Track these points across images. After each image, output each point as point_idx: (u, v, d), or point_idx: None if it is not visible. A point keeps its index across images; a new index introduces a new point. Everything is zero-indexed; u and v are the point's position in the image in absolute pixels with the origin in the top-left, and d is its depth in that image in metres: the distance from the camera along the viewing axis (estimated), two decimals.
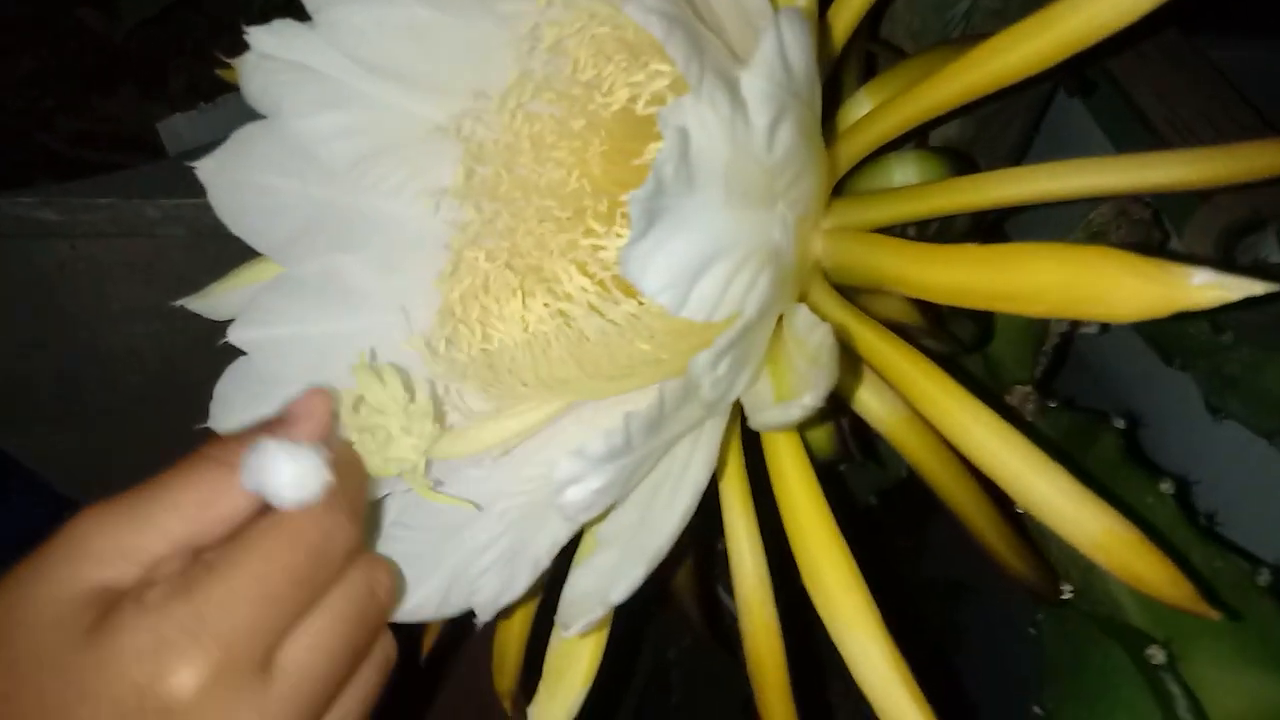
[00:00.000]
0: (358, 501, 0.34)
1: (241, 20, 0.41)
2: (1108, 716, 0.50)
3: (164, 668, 0.29)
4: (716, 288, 0.30)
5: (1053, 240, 0.47)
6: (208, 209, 0.83)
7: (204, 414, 0.95)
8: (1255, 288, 0.26)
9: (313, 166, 0.39)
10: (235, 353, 0.44)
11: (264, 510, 0.33)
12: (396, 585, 0.35)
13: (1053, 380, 0.68)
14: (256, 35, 0.36)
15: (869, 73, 0.50)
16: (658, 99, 0.33)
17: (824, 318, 0.41)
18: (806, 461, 0.40)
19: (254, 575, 0.31)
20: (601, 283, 0.35)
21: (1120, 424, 0.56)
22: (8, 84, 1.08)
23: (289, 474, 0.32)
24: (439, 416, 0.38)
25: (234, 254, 0.44)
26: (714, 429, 0.35)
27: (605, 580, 0.32)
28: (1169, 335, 0.65)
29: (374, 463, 0.36)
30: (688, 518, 0.33)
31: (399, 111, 0.39)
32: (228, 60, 0.39)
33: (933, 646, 1.20)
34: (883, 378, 0.40)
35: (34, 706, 0.30)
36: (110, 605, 0.30)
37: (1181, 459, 0.78)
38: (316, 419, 0.34)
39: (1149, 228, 0.60)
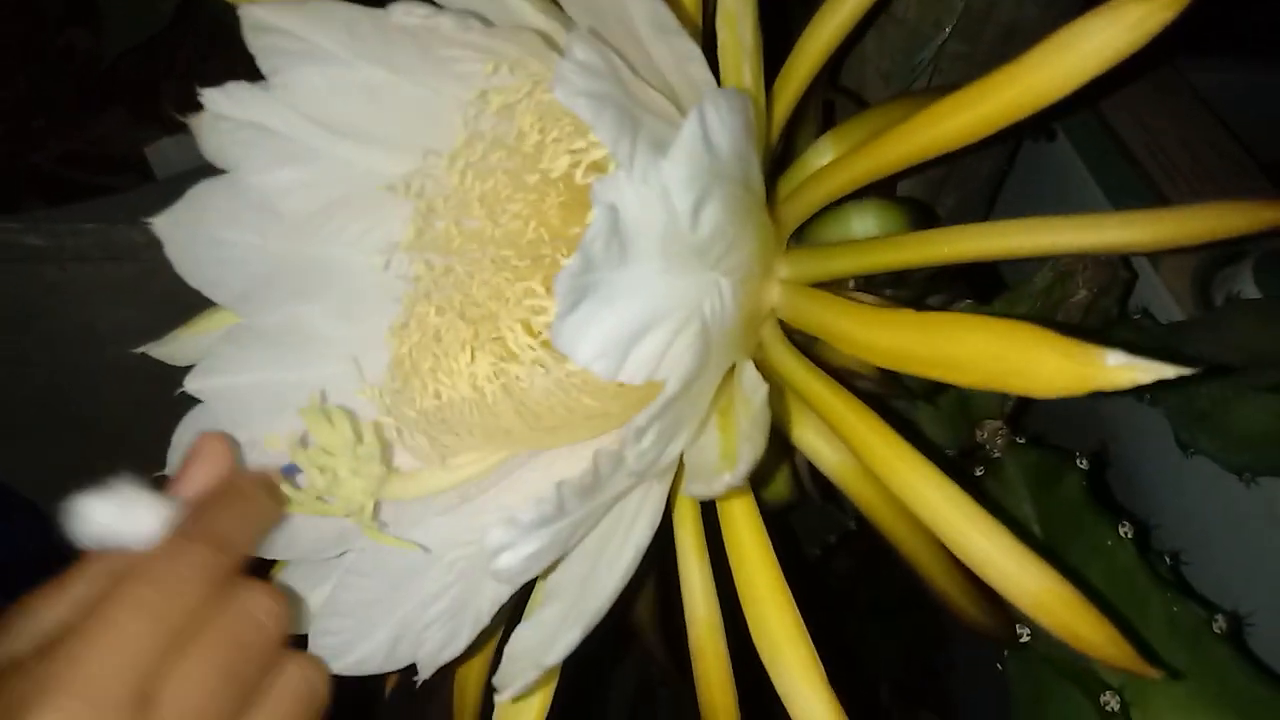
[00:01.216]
0: (237, 531, 0.34)
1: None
2: None
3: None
4: (654, 351, 0.31)
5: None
6: None
7: None
8: (1166, 371, 0.27)
9: (271, 220, 0.39)
10: None
11: None
12: (288, 609, 0.34)
13: (1025, 411, 0.69)
14: (211, 97, 0.36)
15: (829, 118, 0.51)
16: (599, 167, 0.34)
17: (774, 365, 0.41)
18: (756, 513, 0.40)
19: (105, 620, 0.31)
20: (545, 341, 0.36)
21: (1084, 464, 0.56)
22: (3, 103, 1.09)
23: (110, 518, 0.32)
24: (386, 459, 0.39)
25: None
26: (661, 489, 0.36)
27: (545, 638, 0.32)
28: None
29: (320, 504, 0.36)
30: (628, 577, 0.34)
31: (355, 166, 0.39)
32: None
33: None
34: (831, 428, 0.40)
35: None
36: None
37: (1156, 491, 0.79)
38: (209, 460, 0.35)
39: (1115, 267, 0.61)
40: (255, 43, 0.36)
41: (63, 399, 1.04)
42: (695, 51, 0.32)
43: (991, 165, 0.68)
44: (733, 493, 0.39)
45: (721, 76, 0.37)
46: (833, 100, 0.51)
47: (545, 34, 0.34)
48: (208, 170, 0.85)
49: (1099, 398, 0.70)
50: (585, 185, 0.35)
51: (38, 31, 1.06)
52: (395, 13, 0.33)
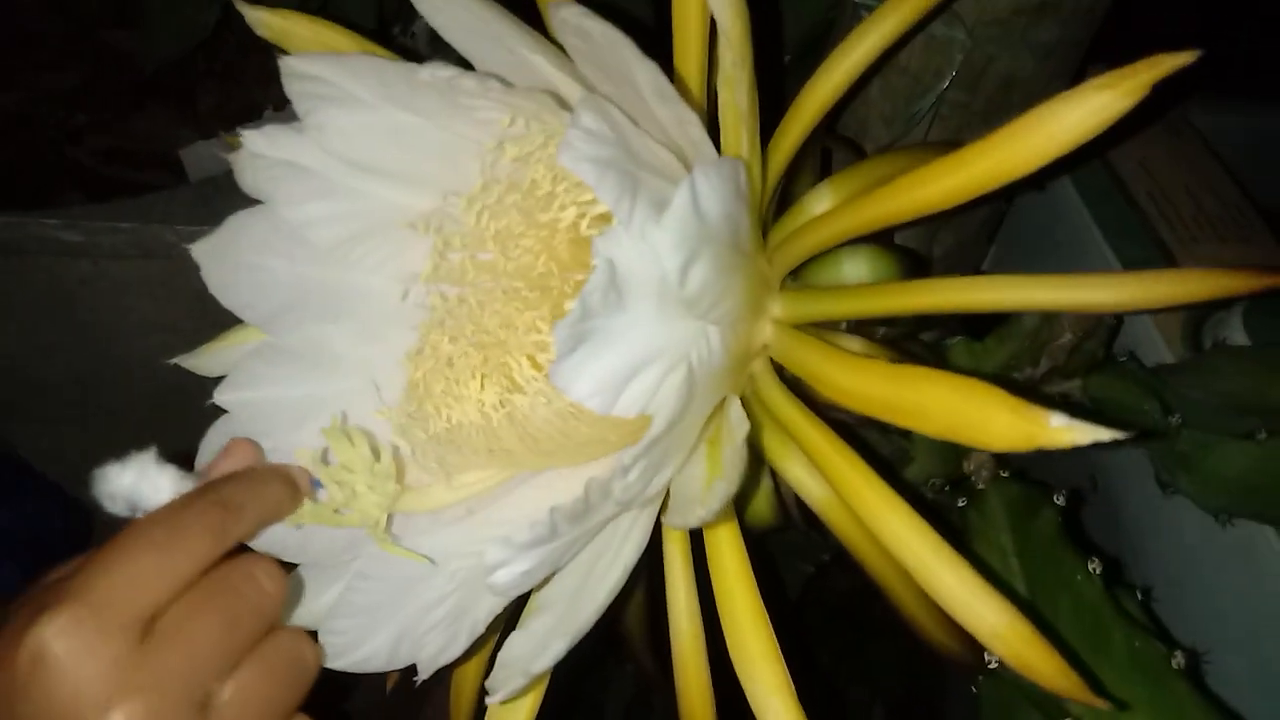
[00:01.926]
0: (248, 504, 0.38)
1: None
2: None
3: (27, 634, 0.33)
4: (645, 390, 0.34)
5: None
6: None
7: (209, 423, 1.00)
8: (1102, 434, 0.29)
9: (301, 247, 0.42)
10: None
11: None
12: (286, 582, 0.38)
13: None
14: (249, 137, 0.39)
15: (826, 163, 0.53)
16: (604, 218, 0.37)
17: (762, 399, 0.44)
18: (738, 537, 0.43)
19: (117, 548, 0.35)
20: (548, 375, 0.39)
21: (1060, 501, 0.59)
22: (41, 100, 1.13)
23: (133, 483, 0.36)
24: (400, 477, 0.42)
25: None
26: (649, 513, 0.39)
27: (536, 647, 0.35)
28: (1125, 411, 0.68)
29: (337, 516, 0.40)
30: (614, 594, 0.37)
31: (380, 201, 0.42)
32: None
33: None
34: (817, 467, 0.43)
35: None
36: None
37: (1138, 528, 0.81)
38: (236, 457, 0.39)
39: (1100, 314, 0.63)
40: (292, 88, 0.39)
41: (90, 387, 1.08)
42: (692, 117, 0.35)
43: (988, 209, 0.71)
44: (718, 518, 0.42)
45: (721, 134, 0.40)
46: (829, 147, 0.53)
47: (558, 94, 0.38)
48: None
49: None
50: (588, 236, 0.38)
51: (82, 32, 1.10)
52: (423, 71, 0.36)
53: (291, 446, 0.42)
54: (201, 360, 0.47)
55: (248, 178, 0.41)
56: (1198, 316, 0.78)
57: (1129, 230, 0.84)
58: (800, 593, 1.04)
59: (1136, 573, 0.82)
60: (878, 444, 0.70)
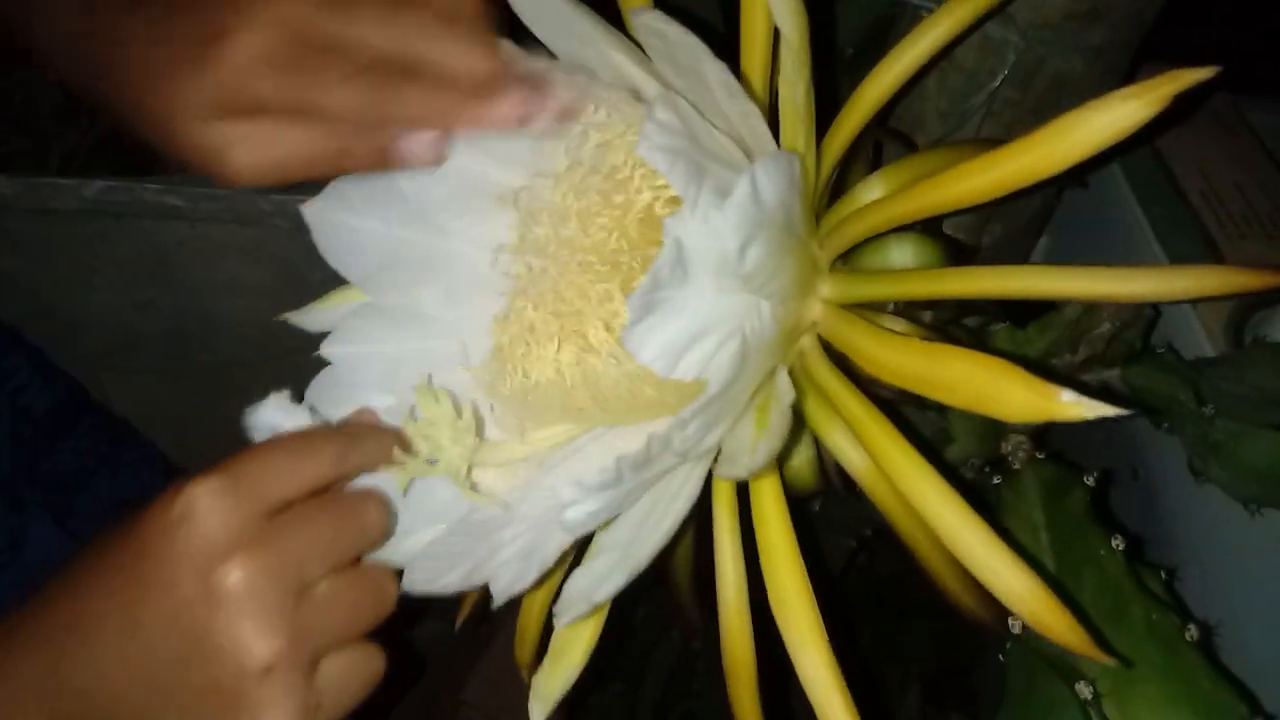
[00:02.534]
0: (370, 446, 0.44)
1: None
2: None
3: (179, 494, 0.39)
4: (703, 357, 0.38)
5: None
6: None
7: (298, 378, 1.07)
8: (1107, 410, 0.33)
9: (400, 209, 0.47)
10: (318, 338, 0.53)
11: None
12: (387, 514, 0.44)
13: (1050, 431, 0.74)
14: None
15: (877, 156, 0.57)
16: (674, 201, 0.41)
17: (809, 372, 0.48)
18: (782, 498, 0.47)
19: (253, 452, 0.41)
20: (618, 340, 0.44)
21: (1090, 481, 0.62)
22: None
23: (277, 419, 0.43)
24: (480, 431, 0.47)
25: None
26: (700, 470, 0.43)
27: (595, 583, 0.40)
28: (1161, 400, 0.71)
29: (424, 467, 0.45)
30: (667, 540, 0.42)
31: (475, 174, 0.47)
32: None
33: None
34: (858, 438, 0.47)
35: (124, 578, 0.40)
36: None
37: (1176, 514, 0.84)
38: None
39: (1139, 306, 0.66)
40: None
41: (179, 342, 1.16)
42: (755, 111, 0.39)
43: (1038, 202, 0.74)
44: (762, 473, 0.47)
45: (781, 129, 0.44)
46: (880, 141, 0.57)
47: (636, 88, 0.42)
48: None
49: (1129, 425, 0.75)
50: (660, 216, 0.42)
51: None
52: (518, 65, 0.41)
53: (384, 397, 0.47)
54: (306, 317, 0.52)
55: None
56: (1241, 314, 0.80)
57: (1179, 226, 0.86)
58: (843, 568, 1.08)
59: (1172, 558, 0.85)
60: (919, 424, 0.74)
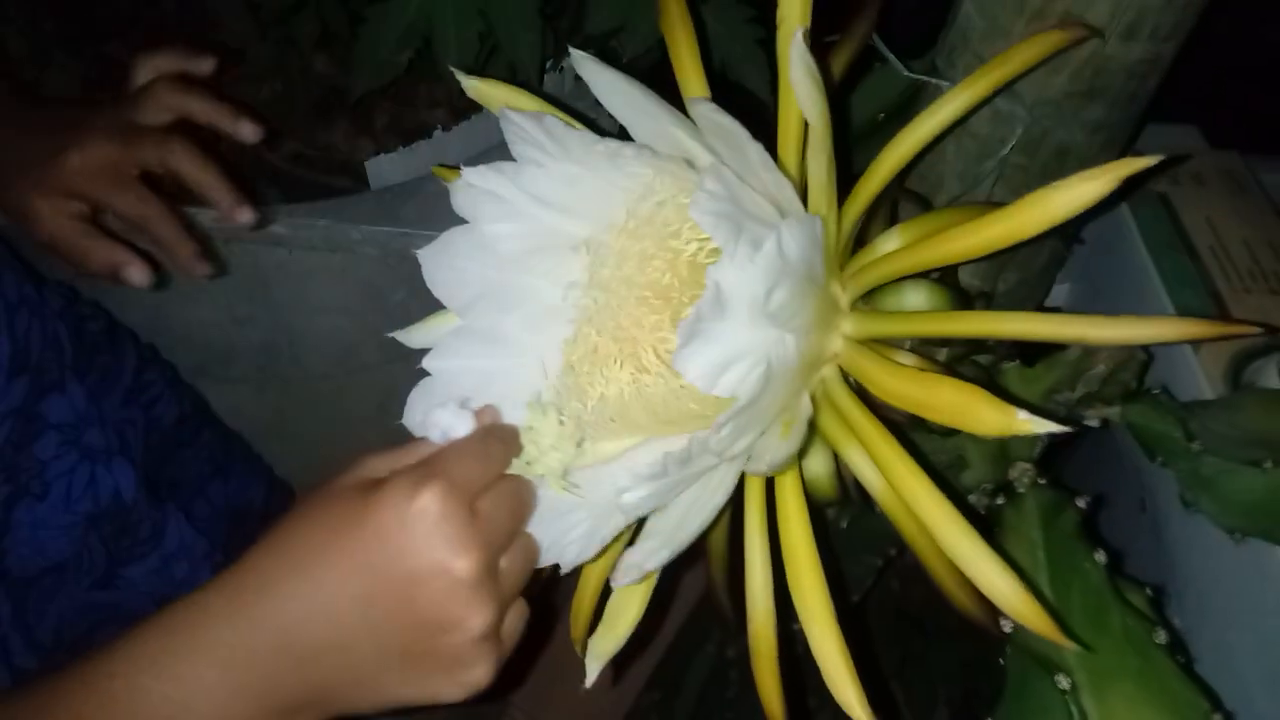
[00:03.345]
0: (508, 450, 0.54)
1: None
2: None
3: (419, 497, 0.48)
4: (737, 377, 0.47)
5: None
6: (396, 236, 1.05)
7: (369, 392, 1.18)
8: (1054, 427, 0.42)
9: (491, 255, 0.57)
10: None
11: None
12: (535, 493, 0.55)
13: (1054, 459, 0.82)
14: (466, 173, 0.54)
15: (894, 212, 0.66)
16: (716, 251, 0.50)
17: (830, 398, 0.57)
18: (802, 497, 0.56)
19: (454, 453, 0.51)
20: (667, 362, 0.53)
21: (1082, 504, 0.70)
22: (251, 107, 1.33)
23: (448, 420, 0.53)
24: (577, 440, 0.57)
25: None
26: (733, 473, 0.53)
27: (645, 556, 0.50)
28: (1155, 437, 0.78)
29: (532, 467, 0.55)
30: (705, 527, 0.51)
31: (552, 227, 0.57)
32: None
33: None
34: (869, 454, 0.56)
35: (325, 535, 0.49)
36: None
37: (1177, 542, 0.91)
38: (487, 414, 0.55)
39: (1132, 349, 0.74)
40: (506, 128, 0.54)
41: (272, 355, 1.27)
42: (785, 181, 0.49)
43: (1047, 255, 0.82)
44: (785, 478, 0.56)
45: (809, 194, 0.53)
46: (897, 199, 0.66)
47: (690, 156, 0.52)
48: (411, 186, 1.06)
49: (1138, 461, 0.81)
50: (704, 264, 0.52)
51: (289, 53, 1.30)
52: (600, 143, 0.51)
53: (476, 404, 0.57)
54: (411, 335, 0.62)
55: (459, 200, 0.56)
56: (1239, 362, 0.87)
57: (1186, 279, 0.94)
58: (870, 586, 1.15)
59: (1175, 582, 0.92)
60: (939, 451, 0.82)
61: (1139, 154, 0.52)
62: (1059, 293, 1.09)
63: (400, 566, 0.48)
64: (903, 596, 1.48)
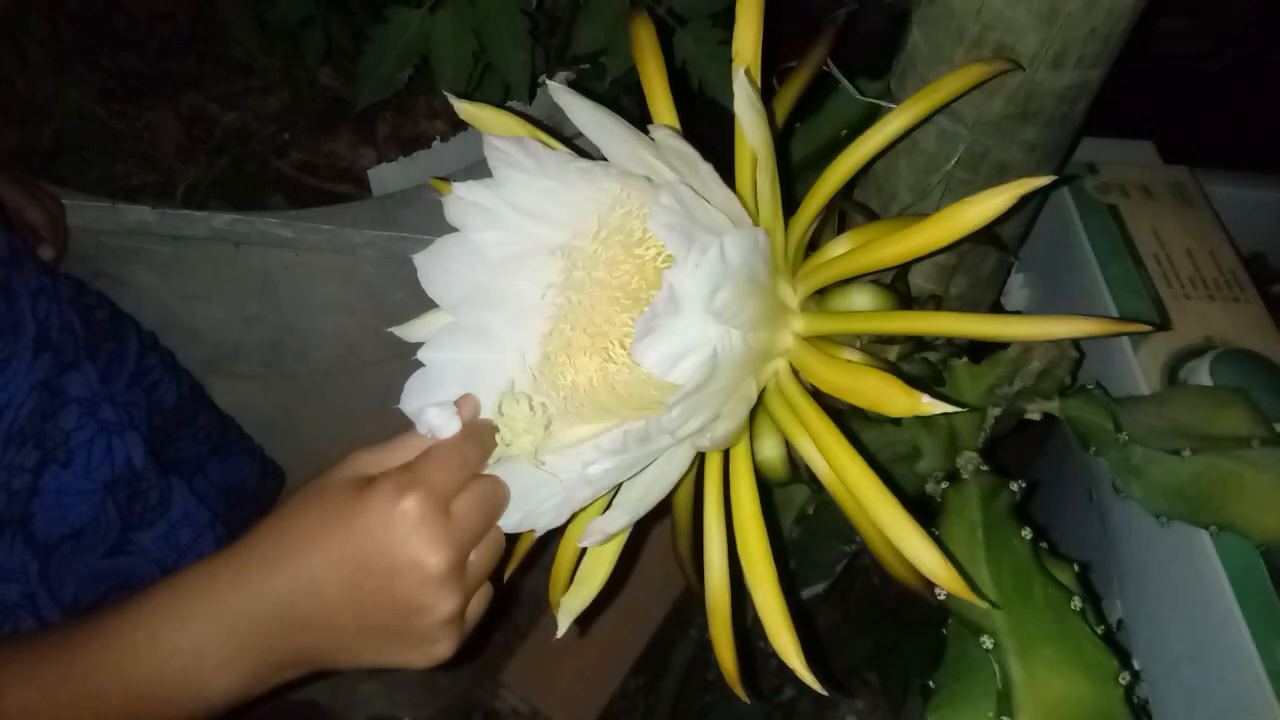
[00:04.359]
0: (485, 448, 0.60)
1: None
2: (966, 683, 0.71)
3: (401, 502, 0.55)
4: (690, 367, 0.54)
5: None
6: (397, 240, 1.12)
7: (369, 386, 1.26)
8: (949, 408, 0.49)
9: (478, 260, 0.64)
10: (397, 351, 0.70)
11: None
12: (507, 491, 0.60)
13: (999, 447, 0.89)
14: (456, 188, 0.62)
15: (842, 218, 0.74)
16: (671, 257, 0.58)
17: (781, 389, 0.65)
18: (753, 477, 0.63)
19: (435, 460, 0.57)
20: (629, 353, 0.60)
21: (1014, 487, 0.77)
22: (258, 117, 1.41)
23: (437, 421, 0.59)
24: (547, 424, 0.64)
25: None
26: (688, 448, 0.60)
27: (608, 522, 0.57)
28: (1089, 428, 0.85)
29: (508, 449, 0.62)
30: (662, 497, 0.58)
31: (533, 234, 0.64)
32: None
33: None
34: (814, 440, 0.63)
35: (319, 527, 0.56)
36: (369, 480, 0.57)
37: (1120, 526, 0.98)
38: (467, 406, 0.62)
39: (1064, 347, 0.81)
40: (489, 153, 0.61)
41: (276, 352, 1.34)
42: (733, 197, 0.56)
43: (995, 261, 0.89)
44: (739, 459, 0.63)
45: (759, 207, 0.61)
46: (845, 211, 0.73)
47: (655, 173, 0.59)
48: (411, 193, 1.13)
49: (1085, 456, 0.88)
50: (662, 268, 0.59)
51: (296, 66, 1.37)
52: (575, 161, 0.58)
53: (465, 393, 0.64)
54: (407, 330, 0.69)
55: (450, 210, 0.63)
56: (1176, 361, 0.94)
57: (1131, 285, 1.01)
58: (841, 571, 1.21)
59: (1116, 565, 0.99)
60: (895, 442, 0.90)
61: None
62: (1019, 297, 1.16)
63: (382, 561, 0.56)
64: (882, 590, 1.56)
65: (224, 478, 1.20)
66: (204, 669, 0.56)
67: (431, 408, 0.59)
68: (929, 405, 0.49)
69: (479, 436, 0.60)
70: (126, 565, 0.95)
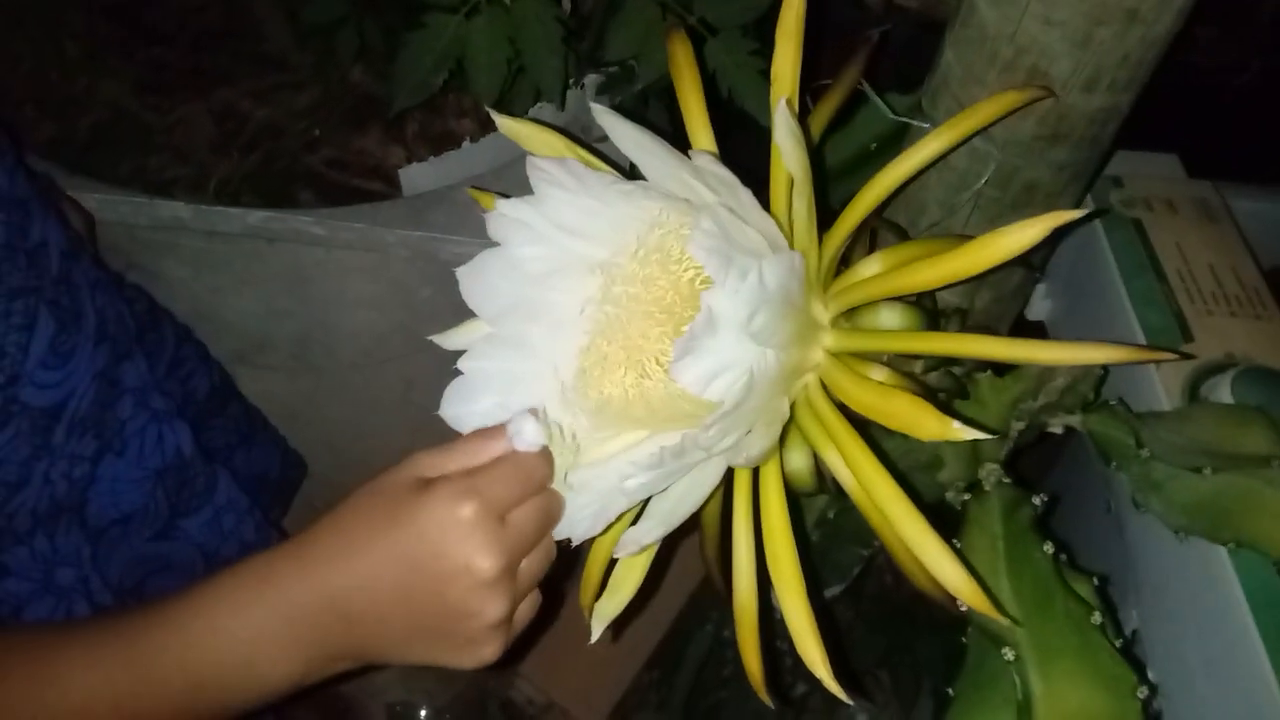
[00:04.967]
0: (550, 468, 0.61)
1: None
2: (988, 693, 0.73)
3: (458, 508, 0.56)
4: (725, 385, 0.56)
5: None
6: (426, 240, 1.14)
7: (394, 380, 1.28)
8: (978, 435, 0.50)
9: (519, 274, 0.66)
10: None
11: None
12: (562, 506, 0.62)
13: (1020, 459, 0.91)
14: (500, 204, 0.63)
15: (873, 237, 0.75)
16: (709, 279, 0.59)
17: (811, 403, 0.66)
18: (782, 487, 0.65)
19: (498, 471, 0.58)
20: (667, 370, 0.62)
21: (1037, 501, 0.79)
22: (290, 114, 1.42)
23: (533, 434, 0.60)
24: (577, 447, 0.65)
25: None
26: (721, 463, 0.61)
27: (642, 533, 0.59)
28: (1110, 443, 0.87)
29: None
30: (695, 509, 0.60)
31: (573, 250, 0.65)
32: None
33: None
34: (841, 453, 0.64)
35: (377, 527, 0.58)
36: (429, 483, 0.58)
37: (1136, 540, 0.99)
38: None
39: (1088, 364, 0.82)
40: (531, 172, 0.63)
41: (304, 346, 1.36)
42: (770, 220, 0.58)
43: (1019, 278, 0.90)
44: (768, 469, 0.64)
45: (794, 230, 0.62)
46: (877, 228, 0.75)
47: (694, 194, 0.61)
48: (441, 193, 1.15)
49: (1103, 469, 0.89)
50: (700, 288, 0.61)
51: (327, 63, 1.39)
52: (618, 183, 0.59)
53: (504, 401, 0.66)
54: (446, 339, 0.71)
55: (493, 226, 0.64)
56: (1197, 378, 0.95)
57: (1153, 300, 1.02)
58: (859, 573, 1.23)
59: (1133, 577, 1.00)
60: (918, 451, 0.91)
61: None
62: (1041, 307, 1.17)
63: (435, 564, 0.58)
64: (895, 590, 1.57)
65: (250, 467, 1.22)
66: (260, 659, 0.58)
67: (529, 420, 0.60)
68: (960, 431, 0.51)
69: (548, 455, 0.62)
70: (169, 549, 0.98)
